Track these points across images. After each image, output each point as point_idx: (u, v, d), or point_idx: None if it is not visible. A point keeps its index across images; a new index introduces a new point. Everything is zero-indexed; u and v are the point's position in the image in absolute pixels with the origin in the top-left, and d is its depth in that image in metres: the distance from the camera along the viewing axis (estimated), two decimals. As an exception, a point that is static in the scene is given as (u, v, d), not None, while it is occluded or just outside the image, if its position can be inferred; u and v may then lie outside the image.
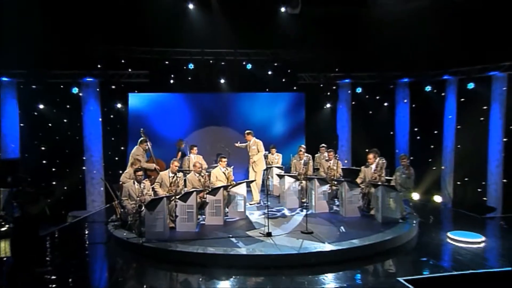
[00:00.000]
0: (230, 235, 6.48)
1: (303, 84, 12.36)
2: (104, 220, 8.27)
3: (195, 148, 9.21)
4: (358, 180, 8.13)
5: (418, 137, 12.37)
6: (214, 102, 11.89)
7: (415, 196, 8.31)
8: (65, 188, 10.73)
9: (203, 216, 7.54)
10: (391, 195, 7.36)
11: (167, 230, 6.53)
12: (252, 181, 8.70)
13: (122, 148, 11.22)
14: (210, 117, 11.84)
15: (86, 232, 7.91)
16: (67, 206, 10.40)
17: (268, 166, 9.74)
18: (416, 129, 12.43)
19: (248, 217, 7.73)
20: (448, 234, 7.12)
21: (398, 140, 12.70)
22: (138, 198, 6.77)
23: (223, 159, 7.99)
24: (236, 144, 9.44)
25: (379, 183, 7.65)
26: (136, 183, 6.95)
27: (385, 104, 12.74)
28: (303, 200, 8.84)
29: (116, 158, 11.22)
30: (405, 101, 12.59)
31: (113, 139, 11.27)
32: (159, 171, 8.05)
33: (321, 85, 12.35)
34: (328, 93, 12.49)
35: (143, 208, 6.54)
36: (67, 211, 10.18)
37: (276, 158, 10.25)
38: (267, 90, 12.09)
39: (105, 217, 8.67)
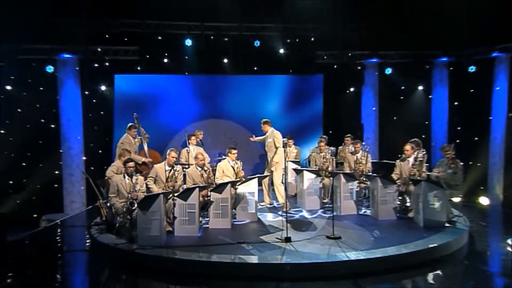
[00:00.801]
0: (241, 241, 6.32)
1: (321, 64, 12.29)
2: (86, 224, 8.14)
3: (193, 138, 9.16)
4: (394, 177, 7.92)
5: (459, 128, 12.20)
6: (215, 85, 11.92)
7: (454, 198, 8.04)
8: (38, 186, 10.57)
9: (206, 219, 7.41)
10: (436, 193, 7.10)
11: (164, 234, 6.37)
12: (265, 177, 8.52)
13: (107, 139, 11.10)
14: (210, 103, 11.83)
15: (64, 238, 7.77)
16: (41, 208, 10.23)
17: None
18: (456, 118, 12.29)
19: (261, 220, 7.65)
20: (509, 241, 6.87)
21: (435, 131, 12.58)
22: (129, 195, 6.57)
23: (233, 151, 7.89)
24: (252, 139, 9.23)
25: (420, 179, 7.39)
26: (126, 176, 6.78)
27: (420, 88, 12.66)
28: (324, 201, 8.75)
29: (100, 151, 11.08)
30: (444, 84, 12.47)
31: (96, 128, 11.13)
32: (152, 164, 7.90)
33: (343, 66, 12.27)
34: (352, 75, 12.40)
35: (134, 206, 6.35)
36: (41, 214, 10.00)
37: (294, 152, 10.18)
38: (278, 72, 12.09)
39: (87, 220, 8.54)
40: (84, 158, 11.15)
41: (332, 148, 7.62)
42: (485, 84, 11.62)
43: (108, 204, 7.00)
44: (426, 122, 12.61)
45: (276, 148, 8.45)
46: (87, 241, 7.11)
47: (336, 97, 12.49)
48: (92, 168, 10.74)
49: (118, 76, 11.38)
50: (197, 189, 6.75)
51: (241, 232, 6.91)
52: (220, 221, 7.16)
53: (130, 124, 8.59)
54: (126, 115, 9.95)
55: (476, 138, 11.82)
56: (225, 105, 11.85)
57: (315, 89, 12.48)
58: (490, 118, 11.62)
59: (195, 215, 6.73)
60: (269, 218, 7.87)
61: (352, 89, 12.53)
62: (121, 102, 11.30)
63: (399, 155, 8.11)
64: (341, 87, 12.50)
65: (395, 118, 12.45)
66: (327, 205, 8.60)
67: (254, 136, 9.21)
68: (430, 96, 12.65)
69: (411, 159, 7.86)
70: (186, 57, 11.21)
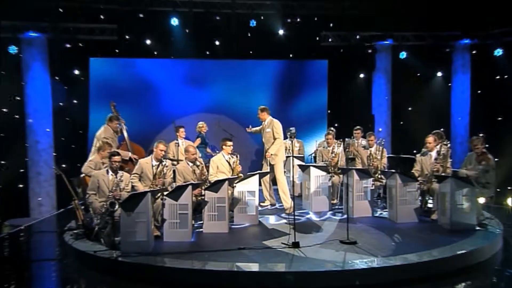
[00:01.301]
0: (241, 246, 6.23)
1: (326, 47, 12.38)
2: (57, 229, 8.01)
3: (182, 130, 9.16)
4: (414, 173, 7.85)
5: (483, 120, 12.14)
6: (205, 71, 12.05)
7: (480, 198, 7.97)
8: (0, 187, 10.57)
9: (199, 222, 7.32)
10: (465, 192, 7.01)
11: (151, 240, 6.23)
12: (266, 173, 8.43)
13: (81, 132, 11.13)
14: (199, 91, 11.92)
15: (31, 246, 7.66)
16: (3, 213, 10.16)
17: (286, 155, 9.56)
18: (479, 109, 12.25)
19: (262, 223, 7.62)
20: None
21: (455, 123, 12.64)
22: (110, 194, 6.45)
23: (228, 143, 7.83)
24: (248, 129, 9.13)
25: (446, 175, 7.30)
26: (110, 172, 6.67)
27: (438, 74, 12.71)
28: (333, 202, 8.75)
29: (73, 146, 11.08)
30: (466, 70, 12.47)
31: (68, 119, 11.15)
32: (136, 160, 7.79)
33: (351, 49, 12.29)
34: (361, 60, 12.43)
35: (115, 207, 6.19)
36: (2, 219, 9.95)
37: (297, 145, 10.12)
38: (276, 56, 12.19)
39: (58, 225, 8.43)
40: (54, 154, 11.07)
41: (347, 139, 7.43)
42: (513, 70, 11.71)
43: (84, 206, 6.91)
44: (446, 114, 12.67)
45: (274, 139, 8.29)
46: (60, 248, 6.96)
47: (343, 85, 12.57)
48: (63, 165, 10.58)
49: (94, 60, 11.40)
50: (190, 187, 6.62)
51: (240, 237, 6.84)
52: (216, 224, 7.05)
53: (110, 115, 8.41)
54: (103, 104, 9.92)
55: (502, 132, 11.76)
56: (215, 93, 11.94)
57: (319, 76, 12.56)
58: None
59: (187, 217, 6.61)
60: (271, 221, 7.81)
61: (361, 76, 12.59)
62: (98, 90, 11.34)
63: (414, 151, 8.15)
64: (349, 73, 12.63)
65: (410, 108, 12.52)
66: (336, 207, 8.61)
67: (250, 126, 9.09)
68: (450, 84, 12.69)
69: (433, 153, 7.76)
70: (172, 38, 11.31)
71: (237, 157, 7.90)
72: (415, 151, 8.13)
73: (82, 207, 7.02)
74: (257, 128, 8.88)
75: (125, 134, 8.46)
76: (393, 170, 7.80)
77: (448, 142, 7.73)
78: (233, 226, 7.34)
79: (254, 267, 5.56)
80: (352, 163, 9.15)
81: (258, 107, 8.67)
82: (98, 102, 10.95)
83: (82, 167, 7.53)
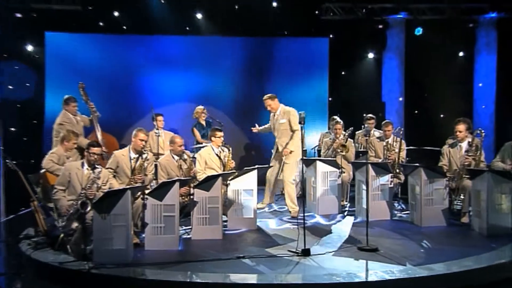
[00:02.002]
0: (240, 255, 6.22)
1: (328, 22, 12.40)
2: (9, 237, 7.78)
3: (160, 119, 9.25)
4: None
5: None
6: (184, 49, 12.04)
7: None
8: None
9: (187, 227, 7.31)
10: (504, 190, 7.01)
11: (131, 248, 6.18)
12: (266, 168, 8.45)
13: (35, 121, 11.04)
14: (178, 73, 11.98)
15: None
16: None
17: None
18: (507, 96, 12.33)
19: (262, 228, 7.66)
20: None
21: (478, 113, 12.65)
22: (82, 192, 6.34)
23: (218, 133, 7.93)
24: (254, 129, 9.08)
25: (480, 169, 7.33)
26: (85, 166, 6.57)
27: (460, 54, 12.78)
28: (342, 203, 8.88)
29: (25, 138, 10.94)
30: (491, 49, 12.46)
31: (19, 106, 10.97)
32: (107, 156, 7.84)
33: (358, 23, 12.29)
34: (370, 37, 12.45)
35: (87, 209, 6.03)
36: None
37: None
38: (269, 33, 12.18)
39: (9, 232, 8.20)
40: (1, 148, 10.58)
41: (365, 125, 7.32)
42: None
43: (45, 209, 6.86)
44: (467, 101, 12.70)
45: (293, 131, 8.24)
46: (15, 260, 6.77)
47: (348, 67, 12.62)
48: (14, 162, 10.25)
49: (51, 34, 11.30)
50: (177, 184, 6.56)
51: (237, 244, 6.86)
52: (207, 230, 7.02)
53: (67, 96, 8.39)
54: (62, 88, 9.91)
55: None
56: (195, 77, 11.95)
57: (319, 56, 12.52)
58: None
59: (174, 221, 6.56)
60: (272, 225, 7.88)
61: (369, 57, 12.63)
62: (56, 71, 11.26)
63: (427, 144, 8.23)
64: (354, 53, 12.66)
65: (426, 95, 12.53)
66: (346, 209, 8.68)
67: (256, 125, 9.09)
68: (472, 66, 12.74)
69: (464, 144, 7.83)
70: (146, 12, 11.28)
71: (229, 150, 7.93)
72: (433, 146, 8.07)
73: (55, 196, 6.69)
74: (266, 126, 8.85)
75: (97, 127, 8.47)
76: (417, 164, 7.79)
77: (482, 130, 7.72)
78: (226, 232, 7.35)
79: (260, 278, 5.52)
80: (363, 158, 9.17)
81: (265, 96, 8.57)
82: (56, 85, 10.80)
83: (37, 162, 7.50)
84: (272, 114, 8.57)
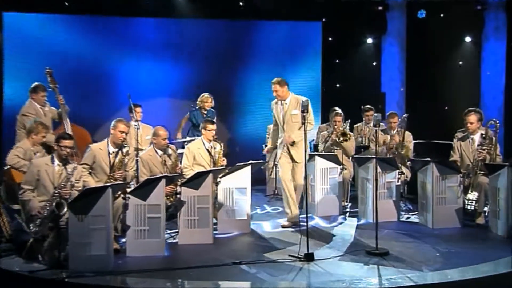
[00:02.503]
0: (236, 260, 6.20)
1: (320, 4, 12.33)
2: None
3: (138, 110, 9.24)
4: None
5: None
6: (164, 33, 12.12)
7: None
8: None
9: (172, 231, 7.31)
10: None
11: (111, 254, 6.13)
12: (261, 164, 8.53)
13: None
14: (154, 59, 11.98)
15: None
16: None
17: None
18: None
19: (256, 232, 7.70)
20: None
21: (486, 105, 12.75)
22: (56, 191, 6.26)
23: (210, 126, 7.94)
24: (267, 149, 8.74)
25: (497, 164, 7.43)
26: (56, 161, 6.46)
27: (467, 39, 12.88)
28: (343, 204, 8.98)
29: None
30: (501, 34, 12.57)
31: None
32: (78, 150, 7.83)
33: (354, 6, 12.31)
34: (368, 21, 12.53)
35: (64, 210, 5.98)
36: None
37: None
38: (253, 16, 12.29)
39: None
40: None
41: (376, 114, 7.30)
42: None
43: (16, 207, 6.80)
44: (474, 92, 12.82)
45: (303, 124, 7.36)
46: None
47: (343, 54, 12.74)
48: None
49: (10, 15, 11.28)
50: (164, 181, 6.54)
51: (231, 249, 6.87)
52: (196, 233, 7.00)
53: (35, 84, 8.28)
54: (22, 73, 10.20)
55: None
56: (176, 66, 12.13)
57: (311, 42, 12.66)
58: None
59: (160, 223, 6.53)
60: (267, 228, 7.92)
61: (368, 41, 12.75)
62: (15, 55, 11.23)
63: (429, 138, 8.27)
64: (350, 38, 12.72)
65: (429, 84, 12.65)
66: (347, 210, 8.76)
67: (266, 144, 9.14)
68: (480, 53, 12.84)
69: (476, 137, 7.90)
70: None
71: (221, 146, 7.97)
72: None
73: (23, 197, 6.59)
74: (270, 135, 8.60)
75: (66, 120, 8.38)
76: (428, 159, 7.83)
77: (497, 121, 7.80)
78: (217, 236, 7.34)
79: (261, 286, 5.50)
80: (365, 152, 9.24)
81: (273, 80, 8.06)
82: (15, 71, 10.87)
83: (8, 155, 7.32)
84: (276, 103, 8.06)
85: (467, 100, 12.34)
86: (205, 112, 9.72)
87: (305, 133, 6.77)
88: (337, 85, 12.44)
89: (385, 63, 12.71)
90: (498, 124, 7.80)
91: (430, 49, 12.49)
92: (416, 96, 12.62)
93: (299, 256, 6.23)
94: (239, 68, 12.23)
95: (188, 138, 9.35)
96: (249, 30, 12.41)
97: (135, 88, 11.19)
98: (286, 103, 7.88)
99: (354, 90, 12.29)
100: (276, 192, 9.87)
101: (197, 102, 9.80)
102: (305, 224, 7.61)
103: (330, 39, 12.48)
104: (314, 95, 12.40)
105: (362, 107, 10.20)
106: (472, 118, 7.87)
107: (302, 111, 6.67)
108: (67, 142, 6.43)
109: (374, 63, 12.72)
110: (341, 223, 8.08)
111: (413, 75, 12.63)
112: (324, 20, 12.47)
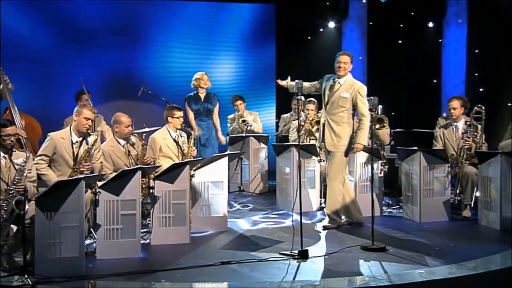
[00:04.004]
0: (225, 260, 6.14)
1: None
2: None
3: (86, 97, 9.12)
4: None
5: (482, 89, 12.67)
6: (108, 15, 12.07)
7: None
8: None
9: (141, 231, 7.03)
10: None
11: (83, 256, 5.92)
12: (238, 155, 8.59)
13: None
14: (105, 42, 12.05)
15: None
16: None
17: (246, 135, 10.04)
18: (478, 74, 12.70)
19: (233, 229, 7.71)
20: None
21: (446, 93, 12.81)
22: (11, 187, 5.92)
23: (177, 113, 7.89)
24: (283, 82, 7.88)
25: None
26: (1, 154, 6.11)
27: (429, 25, 13.11)
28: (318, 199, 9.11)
29: None
30: (460, 20, 12.76)
31: None
32: (24, 139, 7.75)
33: None
34: (326, 4, 12.63)
35: (27, 207, 5.67)
36: None
37: (250, 118, 10.41)
38: None
39: None
40: None
41: (373, 97, 7.16)
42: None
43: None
44: (435, 81, 13.12)
45: (361, 116, 7.29)
46: None
47: (299, 40, 12.74)
48: None
49: None
50: (139, 173, 6.34)
51: (213, 249, 6.79)
52: (171, 232, 6.87)
53: None
54: None
55: (510, 104, 12.29)
56: (125, 50, 12.09)
57: (264, 26, 12.83)
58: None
59: (135, 221, 6.36)
60: (244, 226, 7.91)
61: (328, 26, 12.80)
62: None
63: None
64: (308, 24, 12.82)
65: (390, 73, 12.78)
66: (323, 205, 8.69)
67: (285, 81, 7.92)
68: (440, 40, 13.10)
69: (460, 124, 8.02)
70: None
71: (191, 135, 7.94)
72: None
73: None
74: (307, 84, 7.73)
75: (11, 103, 8.02)
76: (415, 148, 7.84)
77: (482, 107, 7.88)
78: (192, 235, 7.19)
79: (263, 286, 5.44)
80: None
81: (343, 52, 7.74)
82: None
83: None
84: (328, 80, 7.59)
85: (428, 88, 12.88)
86: (202, 97, 9.45)
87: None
88: (292, 72, 12.33)
89: (346, 49, 12.59)
90: (483, 111, 7.87)
91: (390, 35, 12.73)
92: (376, 85, 12.24)
93: (292, 253, 6.20)
94: (193, 48, 12.42)
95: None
96: (200, 11, 12.47)
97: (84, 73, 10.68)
98: (339, 83, 7.45)
99: (309, 79, 12.19)
100: (242, 188, 10.00)
101: (192, 82, 9.53)
102: (281, 221, 7.97)
103: (285, 22, 12.59)
104: (267, 81, 12.73)
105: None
106: (455, 103, 8.02)
107: (296, 94, 6.58)
108: (9, 129, 6.06)
109: (334, 51, 12.43)
110: (323, 218, 8.04)
111: (373, 63, 12.76)
112: (278, 2, 12.58)
